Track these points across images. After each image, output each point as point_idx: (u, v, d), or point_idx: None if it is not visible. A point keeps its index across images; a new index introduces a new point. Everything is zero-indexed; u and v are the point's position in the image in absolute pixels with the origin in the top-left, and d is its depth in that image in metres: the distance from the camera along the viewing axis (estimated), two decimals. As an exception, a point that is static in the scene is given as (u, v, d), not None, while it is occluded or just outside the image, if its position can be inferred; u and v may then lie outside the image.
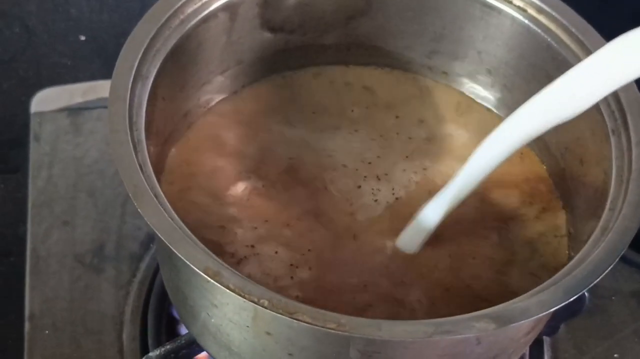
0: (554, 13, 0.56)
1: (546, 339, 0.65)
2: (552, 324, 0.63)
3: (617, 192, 0.50)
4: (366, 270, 0.54)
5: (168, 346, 0.58)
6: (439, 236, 0.54)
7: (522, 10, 0.58)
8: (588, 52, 0.54)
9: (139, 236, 0.69)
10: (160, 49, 0.52)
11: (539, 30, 0.57)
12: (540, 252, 0.56)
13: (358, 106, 0.62)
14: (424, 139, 0.61)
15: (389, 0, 0.61)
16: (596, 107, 0.53)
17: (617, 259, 0.46)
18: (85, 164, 0.72)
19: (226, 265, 0.44)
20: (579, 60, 0.53)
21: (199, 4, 0.55)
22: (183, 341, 0.58)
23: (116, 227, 0.69)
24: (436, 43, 0.62)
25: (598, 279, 0.45)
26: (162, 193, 0.47)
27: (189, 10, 0.54)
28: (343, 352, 0.45)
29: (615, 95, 0.52)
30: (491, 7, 0.59)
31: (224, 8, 0.56)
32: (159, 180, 0.48)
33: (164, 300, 0.65)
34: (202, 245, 0.45)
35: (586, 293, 0.60)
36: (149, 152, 0.48)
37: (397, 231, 0.55)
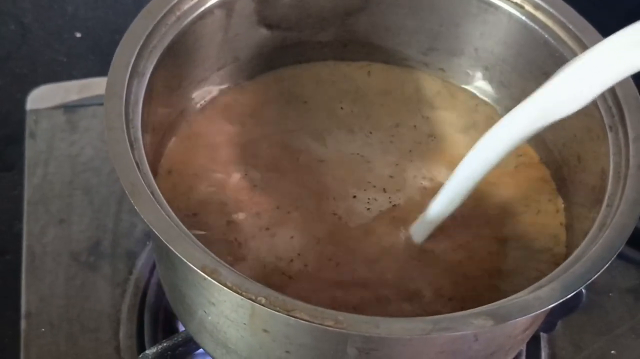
0: (551, 10, 0.56)
1: (543, 336, 0.65)
2: (549, 321, 0.63)
3: (615, 188, 0.50)
4: (367, 261, 0.54)
5: (165, 344, 0.58)
6: (438, 233, 0.54)
7: (519, 7, 0.58)
8: (585, 49, 0.54)
9: (135, 234, 0.68)
10: (156, 45, 0.52)
11: (537, 27, 0.57)
12: (537, 248, 0.56)
13: (354, 102, 0.62)
14: (421, 135, 0.61)
15: (386, -3, 0.61)
16: (594, 104, 0.53)
17: (615, 256, 0.46)
18: (81, 161, 0.72)
19: (223, 263, 0.44)
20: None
21: (195, 0, 0.55)
22: (180, 339, 0.58)
23: (112, 225, 0.69)
24: (433, 40, 0.62)
25: (596, 276, 0.45)
26: (158, 191, 0.47)
27: (186, 7, 0.54)
28: (340, 349, 0.45)
29: (612, 91, 0.52)
30: (488, 4, 0.59)
31: (220, 5, 0.56)
32: (155, 177, 0.48)
33: (160, 298, 0.65)
34: (199, 243, 0.45)
35: (583, 290, 0.60)
36: (145, 150, 0.48)
37: (396, 222, 0.55)
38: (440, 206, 0.52)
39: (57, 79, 0.78)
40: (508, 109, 0.49)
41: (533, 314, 0.44)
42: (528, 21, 0.57)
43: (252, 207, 0.56)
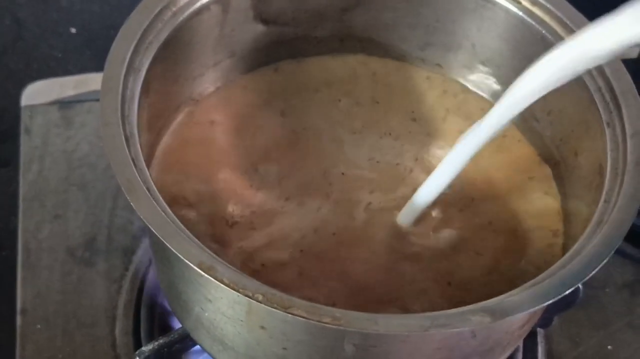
0: (548, 5, 0.56)
1: (540, 331, 0.65)
2: (546, 316, 0.63)
3: (612, 184, 0.50)
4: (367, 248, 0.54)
5: (161, 341, 0.58)
6: (437, 230, 0.54)
7: (516, 3, 0.57)
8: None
9: (131, 230, 0.68)
10: (152, 41, 0.52)
11: (533, 22, 0.57)
12: (535, 244, 0.56)
13: (351, 97, 0.62)
14: (418, 130, 0.61)
15: (383, -8, 0.61)
16: (591, 99, 0.53)
17: (613, 252, 0.46)
18: (76, 157, 0.72)
19: (220, 259, 0.44)
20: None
21: (192, -5, 0.55)
22: (176, 336, 0.58)
23: (108, 221, 0.69)
24: (430, 35, 0.62)
25: (594, 272, 0.45)
26: (154, 187, 0.46)
27: (182, 2, 0.54)
28: (338, 346, 0.45)
29: (610, 87, 0.52)
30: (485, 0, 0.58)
31: (216, 0, 0.56)
32: (150, 172, 0.48)
33: (156, 294, 0.65)
34: (195, 239, 0.45)
35: (580, 285, 0.60)
36: (141, 145, 0.48)
37: (394, 216, 0.55)
38: (430, 188, 0.53)
39: (52, 75, 0.78)
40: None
41: (531, 310, 0.44)
42: (525, 17, 0.57)
43: (247, 202, 0.56)
